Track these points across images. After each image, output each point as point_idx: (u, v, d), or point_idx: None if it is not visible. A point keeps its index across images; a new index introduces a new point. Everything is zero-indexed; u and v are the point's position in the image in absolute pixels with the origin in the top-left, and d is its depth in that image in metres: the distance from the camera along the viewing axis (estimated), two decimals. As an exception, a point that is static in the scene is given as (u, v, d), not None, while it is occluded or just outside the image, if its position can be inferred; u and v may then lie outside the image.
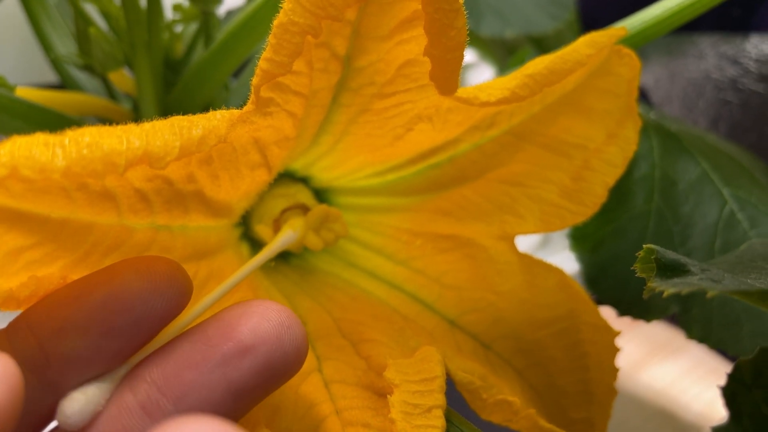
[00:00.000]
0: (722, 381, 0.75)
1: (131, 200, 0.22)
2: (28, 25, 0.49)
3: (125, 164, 0.19)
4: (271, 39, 0.23)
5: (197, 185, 0.24)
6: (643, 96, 0.72)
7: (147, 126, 0.20)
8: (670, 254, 0.22)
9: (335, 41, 0.26)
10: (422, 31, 0.26)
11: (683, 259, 0.22)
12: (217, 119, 0.22)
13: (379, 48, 0.26)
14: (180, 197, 0.23)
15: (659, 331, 0.82)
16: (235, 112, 0.23)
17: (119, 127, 0.20)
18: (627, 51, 0.33)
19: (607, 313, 0.35)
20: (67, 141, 0.18)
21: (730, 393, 0.20)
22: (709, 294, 0.18)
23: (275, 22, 0.23)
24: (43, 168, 0.18)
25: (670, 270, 0.21)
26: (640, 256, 0.22)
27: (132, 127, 0.20)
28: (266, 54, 0.23)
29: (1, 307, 0.20)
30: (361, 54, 0.27)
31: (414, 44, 0.26)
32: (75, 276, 0.22)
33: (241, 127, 0.24)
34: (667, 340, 0.82)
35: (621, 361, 0.33)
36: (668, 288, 0.20)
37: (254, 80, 0.23)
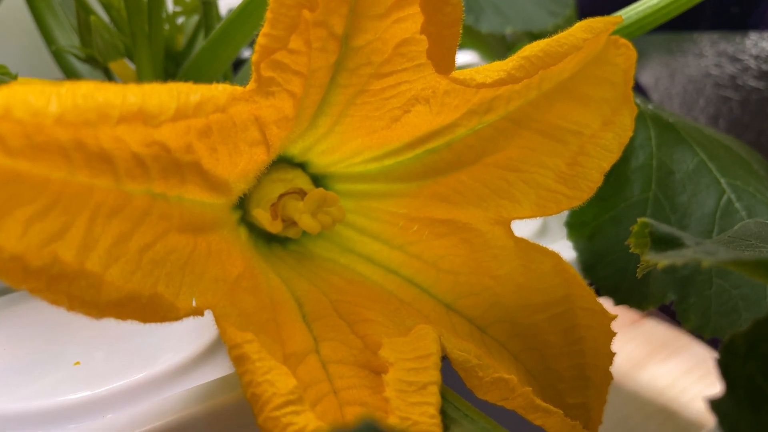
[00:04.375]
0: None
1: (128, 164, 0.22)
2: (28, 20, 0.49)
3: (119, 117, 0.20)
4: (268, 14, 0.23)
5: (195, 156, 0.24)
6: (643, 94, 0.72)
7: (146, 86, 0.21)
8: (665, 227, 0.22)
9: (333, 20, 0.26)
10: (419, 9, 0.26)
11: (677, 232, 0.22)
12: (218, 90, 0.22)
13: (376, 27, 0.27)
14: (177, 167, 0.24)
15: (661, 330, 0.82)
16: (238, 87, 0.23)
17: (118, 84, 0.20)
18: (623, 41, 0.33)
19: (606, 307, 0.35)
20: (63, 90, 0.19)
21: (724, 365, 0.20)
22: (704, 264, 0.18)
23: (271, -3, 0.23)
24: (36, 112, 0.18)
25: (664, 243, 0.21)
26: (634, 230, 0.22)
27: (131, 86, 0.20)
28: (264, 29, 0.23)
29: (7, 273, 0.20)
30: (359, 33, 0.27)
31: (411, 22, 0.26)
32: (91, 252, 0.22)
33: (243, 105, 0.24)
34: (668, 340, 0.82)
35: (622, 360, 0.33)
36: (663, 260, 0.20)
37: (254, 57, 0.23)
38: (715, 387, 0.74)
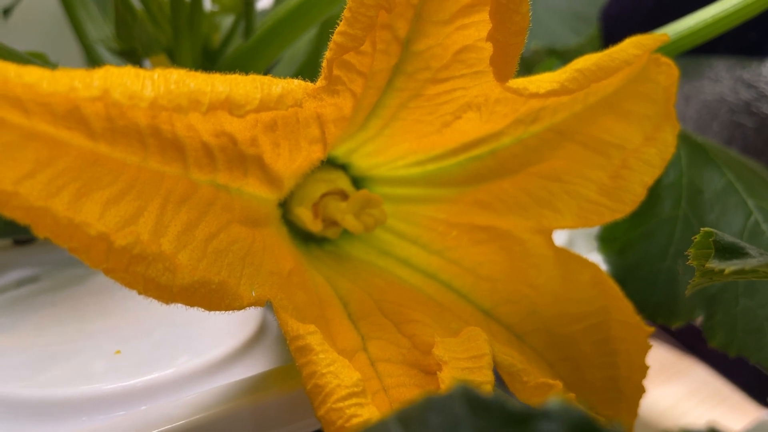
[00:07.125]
0: (724, 404, 0.74)
1: (198, 154, 0.22)
2: (53, 13, 0.49)
3: (208, 104, 0.20)
4: (345, 13, 0.23)
5: (259, 150, 0.24)
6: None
7: (230, 77, 0.21)
8: (728, 237, 0.22)
9: (398, 23, 0.26)
10: (483, 16, 0.27)
11: (741, 242, 0.22)
12: (295, 84, 0.23)
13: (439, 32, 0.27)
14: (241, 159, 0.24)
15: (662, 353, 0.83)
16: (310, 84, 0.24)
17: (203, 73, 0.21)
18: (665, 59, 0.34)
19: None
20: (156, 76, 0.19)
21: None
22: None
23: (350, -4, 0.23)
24: (132, 95, 0.19)
25: (728, 252, 0.22)
26: (696, 240, 0.23)
27: (216, 75, 0.21)
28: (341, 28, 0.24)
29: (90, 251, 0.20)
30: (421, 38, 0.27)
31: (473, 30, 0.27)
32: (162, 234, 0.22)
33: (310, 101, 0.24)
34: (669, 362, 0.82)
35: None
36: (728, 267, 0.20)
37: (328, 54, 0.24)
38: (716, 410, 0.74)
